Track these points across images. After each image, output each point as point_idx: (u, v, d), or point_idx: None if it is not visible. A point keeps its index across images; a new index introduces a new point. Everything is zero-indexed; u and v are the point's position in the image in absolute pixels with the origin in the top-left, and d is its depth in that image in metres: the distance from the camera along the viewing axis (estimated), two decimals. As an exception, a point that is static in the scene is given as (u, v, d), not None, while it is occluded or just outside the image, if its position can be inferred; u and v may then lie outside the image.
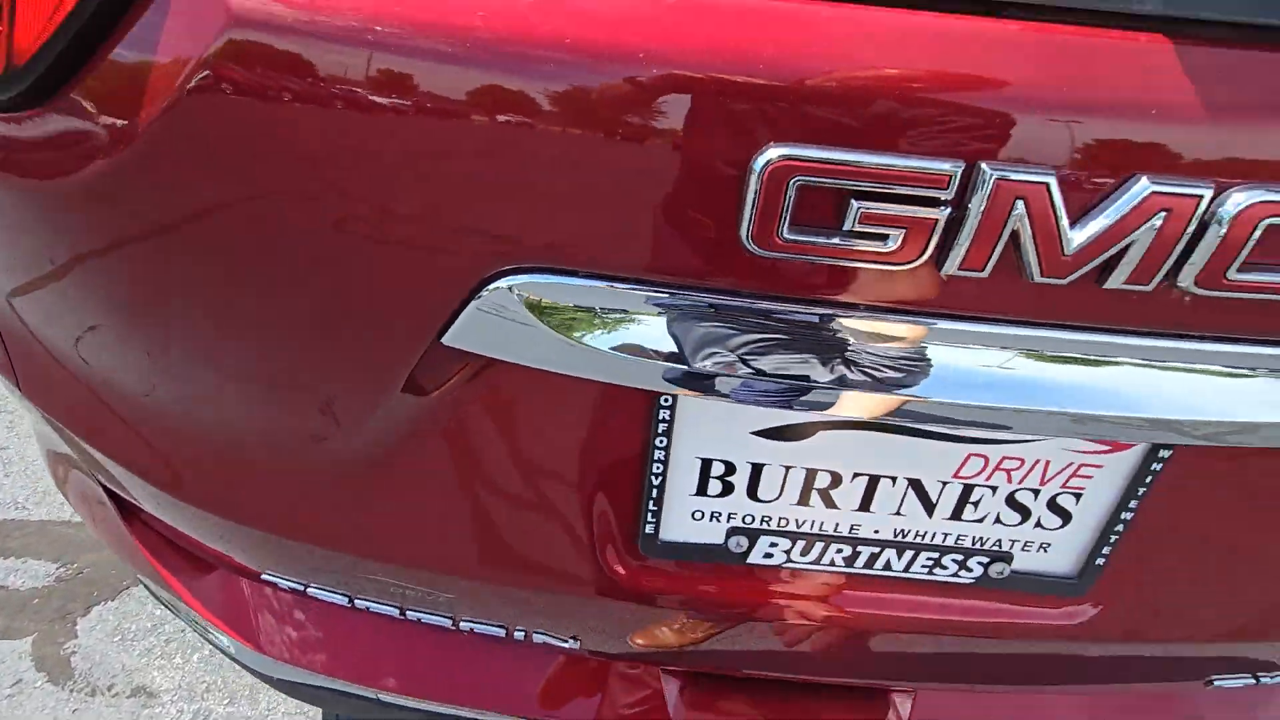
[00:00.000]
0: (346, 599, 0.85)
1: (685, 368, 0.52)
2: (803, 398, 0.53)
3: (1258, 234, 0.42)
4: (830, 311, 0.50)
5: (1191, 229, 0.42)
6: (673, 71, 0.42)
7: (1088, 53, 0.41)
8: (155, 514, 0.86)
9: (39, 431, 0.95)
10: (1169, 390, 0.50)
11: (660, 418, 0.63)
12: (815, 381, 0.52)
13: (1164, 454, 0.60)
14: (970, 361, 0.50)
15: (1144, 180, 0.41)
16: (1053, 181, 0.41)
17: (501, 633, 0.84)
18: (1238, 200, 0.41)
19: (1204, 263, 0.43)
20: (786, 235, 0.45)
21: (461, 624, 0.84)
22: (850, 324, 0.50)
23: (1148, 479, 0.61)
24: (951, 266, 0.45)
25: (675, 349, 0.52)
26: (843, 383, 0.52)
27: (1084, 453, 0.62)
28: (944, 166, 0.41)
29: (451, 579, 0.77)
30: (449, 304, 0.52)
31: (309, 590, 0.85)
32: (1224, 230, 0.41)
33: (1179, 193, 0.41)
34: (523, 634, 0.84)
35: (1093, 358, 0.50)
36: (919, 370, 0.51)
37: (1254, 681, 0.84)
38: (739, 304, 0.50)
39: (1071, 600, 0.70)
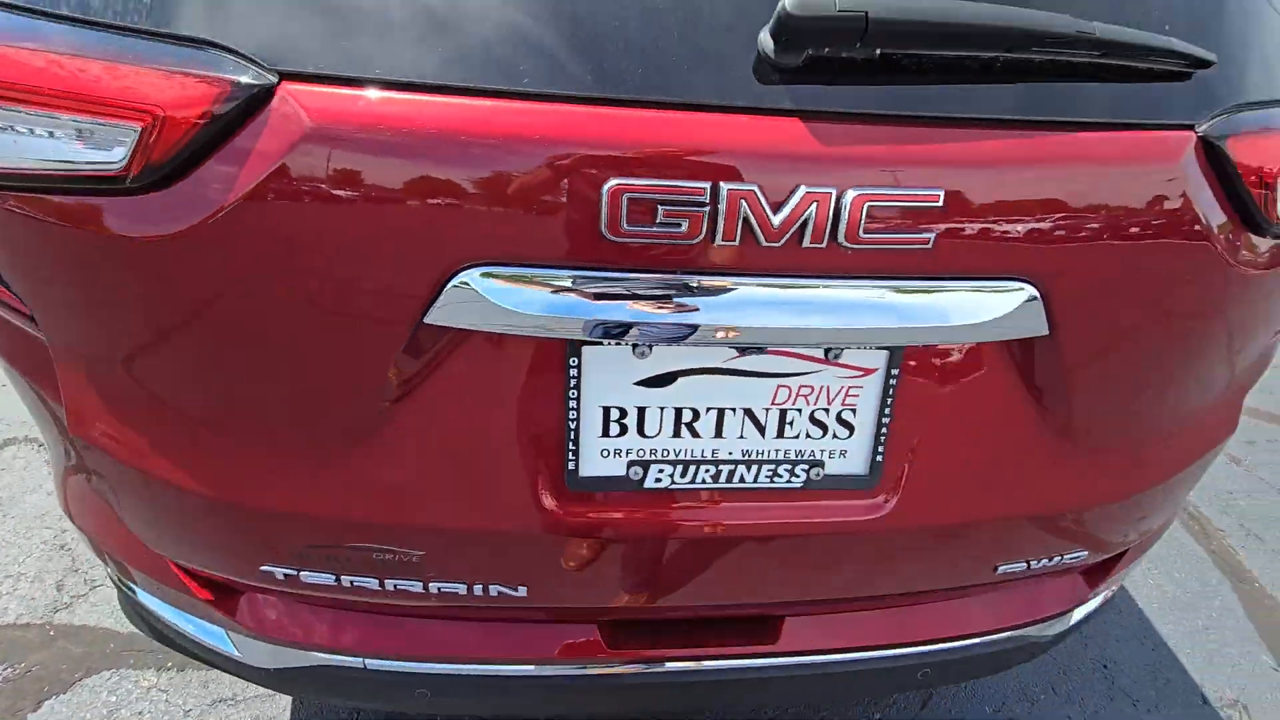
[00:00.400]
0: (334, 577, 1.04)
1: (586, 317, 0.83)
2: (652, 327, 0.85)
3: (865, 212, 0.78)
4: (658, 273, 0.83)
5: (832, 210, 0.78)
6: (568, 151, 0.75)
7: (765, 131, 0.78)
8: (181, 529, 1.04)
9: (69, 480, 1.08)
10: (851, 306, 0.85)
11: (570, 375, 0.92)
12: (656, 316, 0.84)
13: (894, 372, 0.93)
14: (744, 295, 0.84)
15: (803, 188, 0.77)
16: (758, 190, 0.76)
17: (463, 588, 1.04)
18: (850, 195, 0.77)
19: (844, 229, 0.79)
20: (626, 227, 0.78)
21: (430, 585, 1.04)
22: (671, 279, 0.83)
23: (890, 391, 0.94)
24: (718, 239, 0.80)
25: (577, 304, 0.83)
26: (674, 312, 0.84)
27: (849, 378, 0.94)
28: (702, 185, 0.76)
29: (431, 532, 0.99)
30: (430, 292, 0.81)
31: (303, 575, 1.04)
32: (848, 211, 0.78)
33: (822, 192, 0.77)
34: (480, 588, 1.04)
35: (811, 293, 0.85)
36: (712, 303, 0.84)
37: (1026, 566, 1.14)
38: (606, 274, 0.83)
39: (868, 493, 1.00)
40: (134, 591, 1.15)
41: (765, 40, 0.75)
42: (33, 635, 1.57)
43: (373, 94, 0.73)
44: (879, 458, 0.98)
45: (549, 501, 0.97)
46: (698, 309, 0.83)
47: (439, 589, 1.04)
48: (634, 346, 0.92)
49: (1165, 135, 0.85)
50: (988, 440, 1.00)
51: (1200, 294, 0.94)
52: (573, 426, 0.94)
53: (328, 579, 1.03)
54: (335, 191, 0.74)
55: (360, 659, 1.08)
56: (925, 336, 0.89)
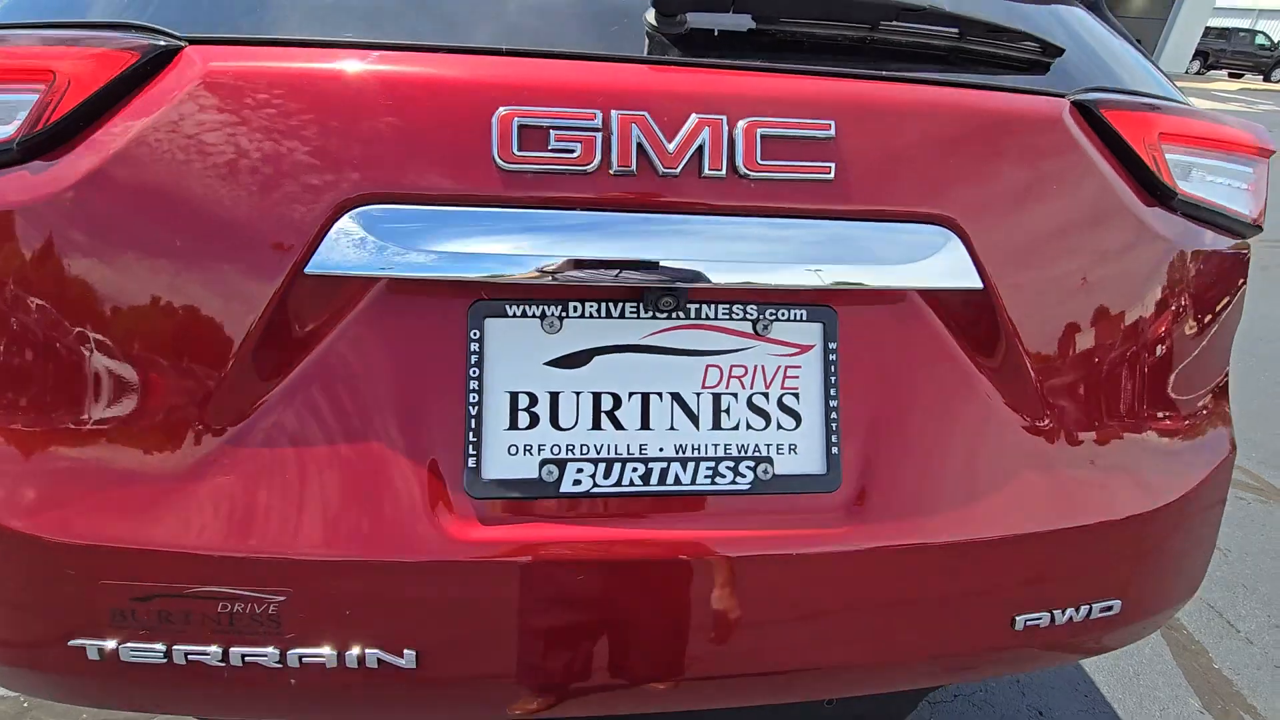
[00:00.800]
0: (164, 648, 0.78)
1: (478, 251, 0.75)
2: (547, 259, 0.76)
3: (759, 139, 0.77)
4: (557, 206, 0.77)
5: (726, 136, 0.77)
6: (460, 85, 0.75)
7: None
8: None
9: None
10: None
11: (471, 352, 0.79)
12: (549, 249, 0.76)
13: (832, 347, 0.85)
14: (651, 227, 0.78)
15: (694, 115, 0.76)
16: (648, 115, 0.75)
17: (332, 655, 0.79)
18: (742, 123, 0.77)
19: (741, 155, 0.76)
20: (517, 153, 0.73)
21: (290, 653, 0.79)
22: (572, 214, 0.77)
23: (832, 370, 0.85)
24: (615, 165, 0.75)
25: (468, 240, 0.75)
26: (576, 244, 0.77)
27: (785, 355, 0.85)
28: (592, 111, 0.75)
29: (292, 567, 0.77)
30: (314, 235, 0.73)
31: (124, 650, 0.78)
32: (742, 137, 0.76)
33: (713, 118, 0.76)
34: (355, 655, 0.79)
35: (723, 228, 0.79)
36: (616, 234, 0.77)
37: (1050, 619, 0.92)
38: (504, 208, 0.76)
39: (830, 495, 0.85)
40: None
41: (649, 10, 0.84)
42: (6, 708, 1.62)
43: (262, 51, 0.76)
44: (834, 450, 0.85)
45: (445, 514, 0.79)
46: (601, 243, 0.76)
47: (300, 658, 0.79)
48: (543, 318, 0.82)
49: (1042, 98, 0.90)
50: (958, 428, 0.89)
51: (1124, 264, 0.92)
52: (474, 415, 0.80)
53: (156, 653, 0.78)
54: (225, 137, 0.73)
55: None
56: (850, 274, 0.81)
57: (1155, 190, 0.92)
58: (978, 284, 0.84)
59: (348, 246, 0.74)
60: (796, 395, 0.85)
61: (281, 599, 0.76)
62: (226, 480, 0.76)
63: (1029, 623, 0.90)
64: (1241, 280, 1.02)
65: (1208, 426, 1.03)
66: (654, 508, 0.83)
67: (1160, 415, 0.97)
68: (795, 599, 0.85)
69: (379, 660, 0.78)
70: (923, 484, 0.87)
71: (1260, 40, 26.93)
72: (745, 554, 0.81)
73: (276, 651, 0.78)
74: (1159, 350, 0.95)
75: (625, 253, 0.76)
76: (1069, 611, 0.92)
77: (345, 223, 0.74)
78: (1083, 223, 0.89)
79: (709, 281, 0.78)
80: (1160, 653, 2.08)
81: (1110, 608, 0.94)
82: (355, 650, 0.78)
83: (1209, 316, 0.98)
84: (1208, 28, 25.15)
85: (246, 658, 0.78)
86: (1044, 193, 0.87)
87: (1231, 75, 27.08)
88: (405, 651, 0.79)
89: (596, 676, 0.83)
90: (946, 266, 0.82)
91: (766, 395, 0.85)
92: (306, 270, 0.74)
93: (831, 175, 0.79)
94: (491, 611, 0.80)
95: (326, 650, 0.78)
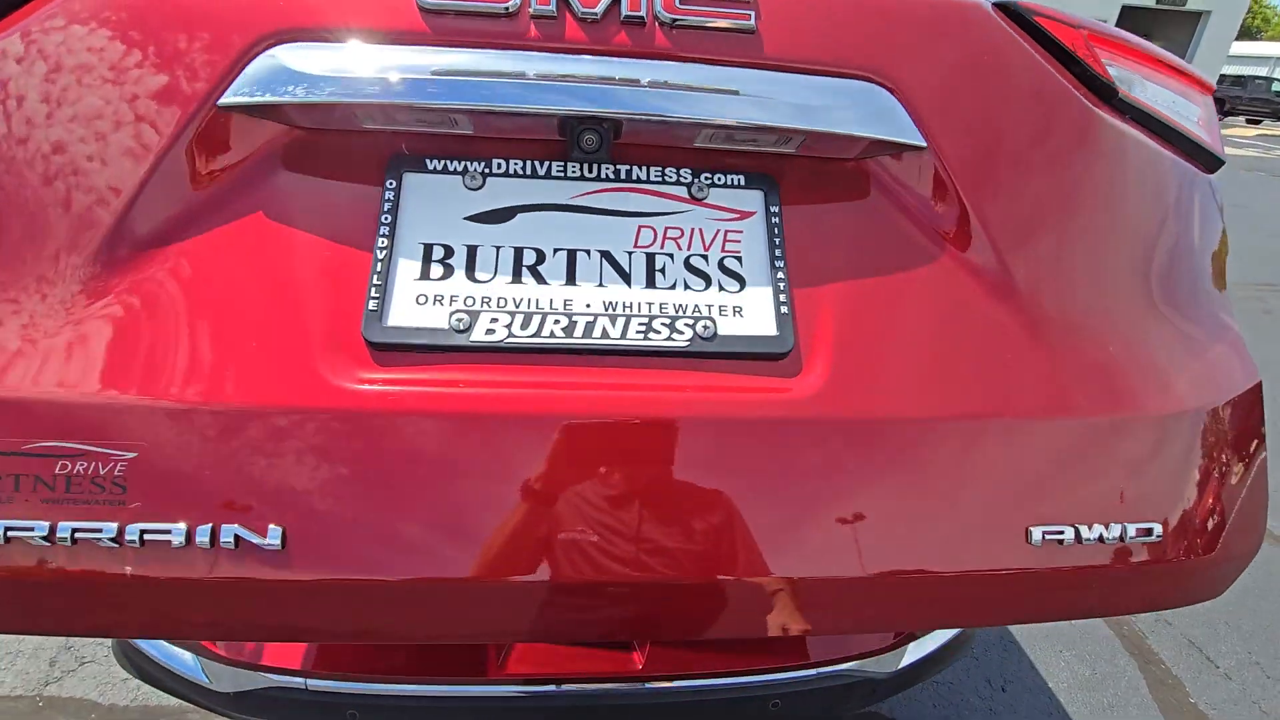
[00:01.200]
0: None
1: (396, 94, 0.69)
2: (463, 102, 0.71)
3: None
4: (476, 49, 0.73)
5: None
6: None
7: None
8: None
9: None
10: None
11: (386, 201, 0.73)
12: (466, 94, 0.71)
13: (774, 211, 0.78)
14: (571, 71, 0.73)
15: None
16: None
17: (180, 531, 0.65)
18: None
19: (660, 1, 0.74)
20: None
21: (130, 528, 0.65)
22: (494, 56, 0.72)
23: (777, 235, 0.78)
24: (533, 6, 0.73)
25: (386, 82, 0.70)
26: (495, 87, 0.71)
27: (724, 220, 0.78)
28: None
29: (140, 413, 0.66)
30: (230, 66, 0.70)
31: None
32: None
33: None
34: (206, 532, 0.65)
35: (649, 71, 0.74)
36: (539, 84, 0.72)
37: (1076, 537, 0.77)
38: (422, 48, 0.72)
39: (784, 362, 0.74)
40: None
41: None
42: (24, 706, 1.72)
43: None
44: (784, 310, 0.76)
45: (331, 359, 0.69)
46: (522, 90, 0.71)
47: (142, 535, 0.65)
48: (464, 174, 0.77)
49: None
50: (921, 300, 0.79)
51: (1073, 153, 0.86)
52: (380, 260, 0.72)
53: None
54: None
55: (302, 679, 1.05)
56: (778, 120, 0.74)
57: (1092, 85, 0.87)
58: (919, 141, 0.78)
59: (262, 82, 0.70)
60: (739, 259, 0.78)
61: (131, 456, 0.65)
62: (91, 319, 0.68)
63: (1049, 537, 0.76)
64: (1214, 209, 0.97)
65: (1214, 349, 0.92)
66: (578, 362, 0.72)
67: (1153, 318, 0.88)
68: (742, 479, 0.71)
69: (237, 538, 0.65)
70: (886, 354, 0.76)
71: (1277, 87, 26.83)
72: (683, 415, 0.70)
73: (115, 527, 0.64)
74: (1130, 248, 0.88)
75: (543, 98, 0.71)
76: (1098, 529, 0.77)
77: (263, 59, 0.70)
78: (1024, 105, 0.84)
79: (630, 118, 0.73)
80: (1136, 685, 2.07)
81: (1150, 532, 0.79)
82: (208, 526, 0.65)
83: (1173, 228, 0.92)
84: (1223, 75, 25.57)
85: (77, 534, 0.65)
86: (978, 70, 0.82)
87: (1249, 121, 27.48)
88: (270, 528, 0.66)
89: (499, 565, 0.68)
90: (884, 121, 0.77)
91: (705, 258, 0.78)
92: (219, 103, 0.70)
93: (753, 23, 0.75)
94: (372, 476, 0.67)
95: (175, 526, 0.65)
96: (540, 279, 0.75)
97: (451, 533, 0.67)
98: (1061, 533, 0.75)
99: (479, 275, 0.74)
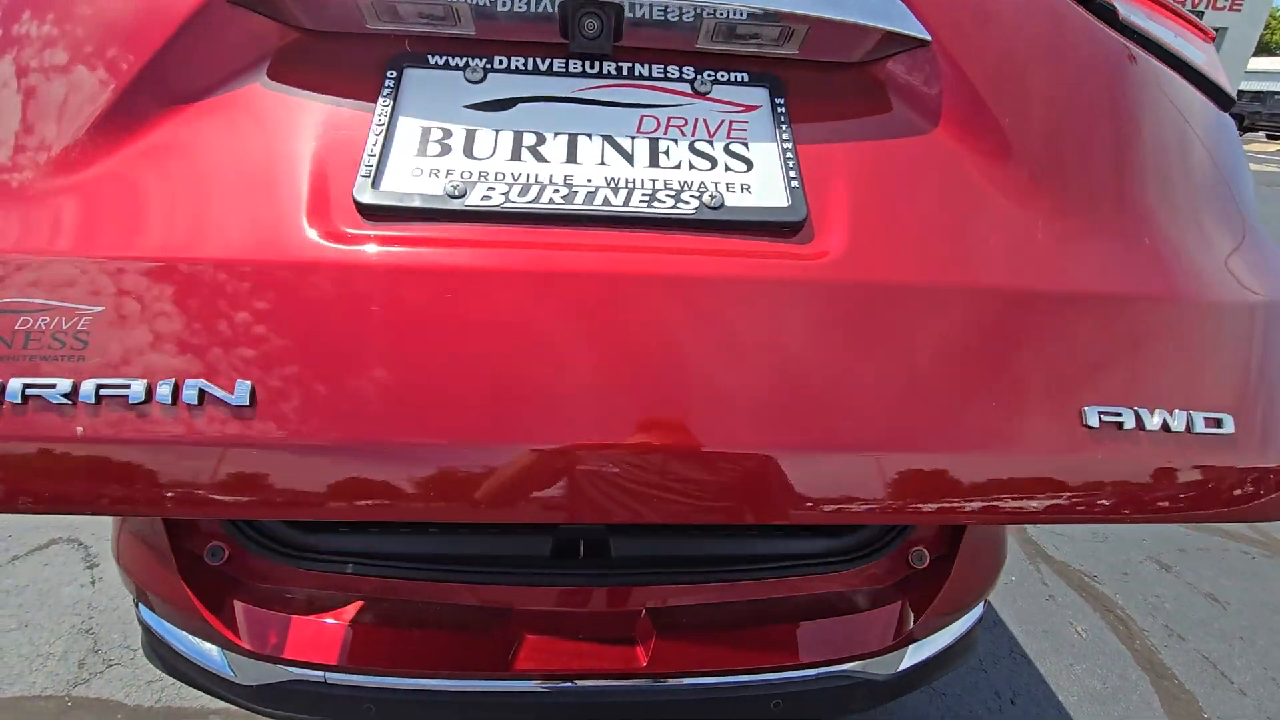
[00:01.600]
0: None
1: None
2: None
3: None
4: None
5: None
6: None
7: None
8: None
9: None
10: None
11: (386, 86, 0.73)
12: None
13: (780, 102, 0.77)
14: None
15: None
16: None
17: (139, 389, 0.60)
18: None
19: None
20: None
21: (83, 386, 0.59)
22: None
23: (784, 126, 0.76)
24: None
25: None
26: None
27: (729, 112, 0.77)
28: None
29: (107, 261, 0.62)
30: None
31: None
32: None
33: None
34: (168, 390, 0.60)
35: None
36: None
37: (1137, 422, 0.71)
38: None
39: (795, 227, 0.70)
40: (151, 630, 1.16)
41: None
42: (53, 706, 1.78)
43: None
44: (795, 184, 0.72)
45: (316, 217, 0.65)
46: None
47: (98, 391, 0.60)
48: (466, 69, 0.76)
49: None
50: (938, 193, 0.75)
51: (1079, 64, 0.84)
52: (377, 136, 0.71)
53: None
54: None
55: (323, 673, 1.05)
56: (786, 3, 0.71)
57: (1090, 6, 0.86)
58: (923, 34, 0.76)
59: None
60: (745, 144, 0.76)
61: (95, 311, 0.61)
62: (72, 185, 0.66)
63: (1106, 419, 0.68)
64: (1237, 143, 0.95)
65: (1245, 263, 0.85)
66: (579, 226, 0.68)
67: (1169, 217, 0.82)
68: (755, 343, 0.65)
69: (201, 393, 0.60)
70: (906, 227, 0.72)
71: (1297, 102, 26.11)
72: (695, 274, 0.65)
73: (69, 384, 0.59)
74: (1156, 155, 0.84)
75: None
76: (1160, 414, 0.69)
77: None
78: (1026, 12, 0.83)
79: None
80: (1149, 700, 2.01)
81: (1219, 423, 0.71)
82: (170, 381, 0.60)
83: (1199, 143, 0.89)
84: (1241, 90, 25.25)
85: (29, 391, 0.60)
86: None
87: (1270, 137, 27.00)
88: (237, 384, 0.60)
89: (482, 426, 0.62)
90: (888, 14, 0.74)
91: (710, 143, 0.76)
92: None
93: None
94: (353, 332, 0.62)
95: (134, 381, 0.59)
96: (540, 158, 0.73)
97: (438, 392, 0.62)
98: (1119, 415, 0.68)
99: (477, 153, 0.72)
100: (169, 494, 0.60)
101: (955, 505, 0.67)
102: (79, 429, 0.59)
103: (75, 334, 0.60)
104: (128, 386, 0.59)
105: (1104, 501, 0.70)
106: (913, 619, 1.10)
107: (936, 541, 1.16)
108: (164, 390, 0.59)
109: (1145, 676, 2.09)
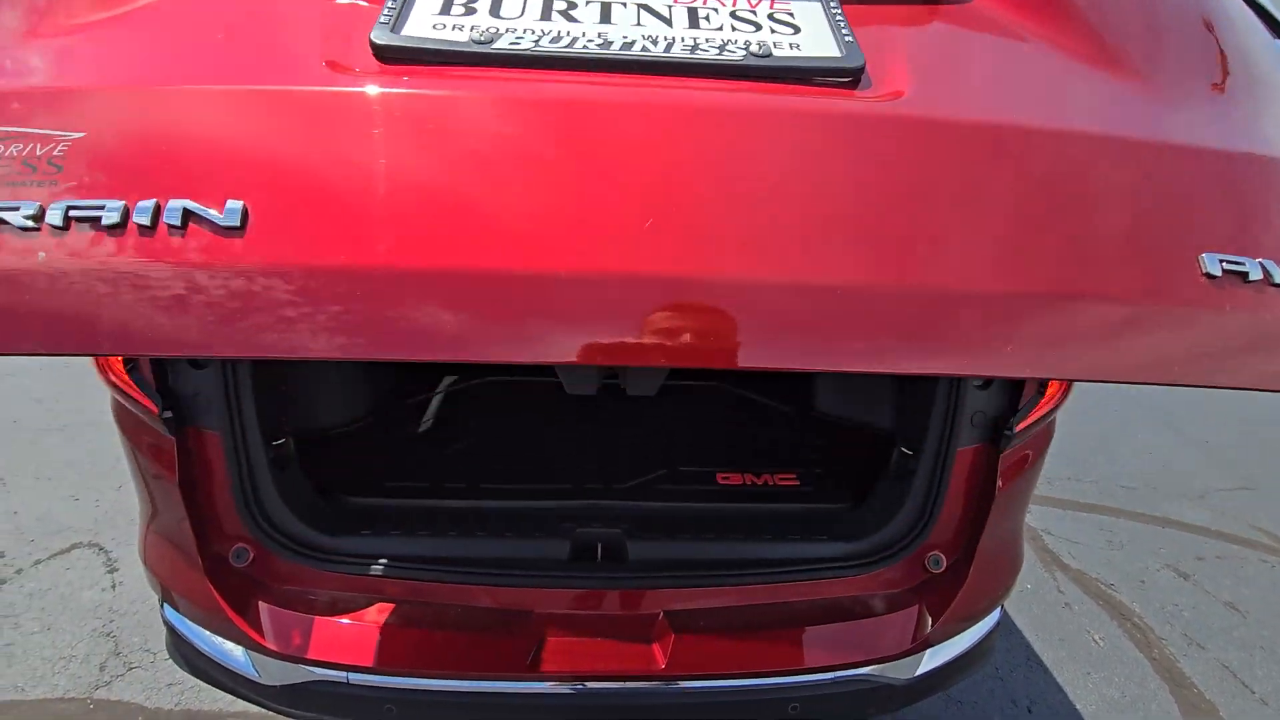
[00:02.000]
0: None
1: None
2: None
3: None
4: None
5: None
6: None
7: None
8: None
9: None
10: None
11: None
12: None
13: None
14: None
15: None
16: None
17: (118, 210, 0.53)
18: None
19: None
20: None
21: (51, 209, 0.52)
22: None
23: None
24: None
25: None
26: None
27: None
28: None
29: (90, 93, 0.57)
30: None
31: None
32: None
33: None
34: (177, 217, 0.53)
35: None
36: None
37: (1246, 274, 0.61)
38: None
39: (851, 75, 0.64)
40: (176, 630, 1.15)
41: None
42: (75, 708, 1.79)
43: None
44: (848, 38, 0.66)
45: (335, 54, 0.61)
46: None
47: (67, 214, 0.52)
48: None
49: None
50: (996, 51, 0.70)
51: None
52: None
53: None
54: None
55: (345, 674, 1.04)
56: None
57: None
58: None
59: None
60: (791, 13, 0.71)
61: (76, 137, 0.54)
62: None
63: (1227, 267, 0.59)
64: None
65: None
66: (616, 70, 0.62)
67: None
68: (837, 184, 0.59)
69: (185, 214, 0.52)
70: (974, 82, 0.67)
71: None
72: (744, 110, 0.59)
73: (35, 207, 0.52)
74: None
75: None
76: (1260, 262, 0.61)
77: None
78: None
79: None
80: (1168, 709, 1.95)
81: None
82: (150, 202, 0.52)
83: (1262, 39, 0.84)
84: None
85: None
86: None
87: None
88: (227, 203, 0.53)
89: (496, 251, 0.55)
90: None
91: (754, 12, 0.71)
92: None
93: None
94: (364, 159, 0.55)
95: (109, 203, 0.52)
96: (571, 19, 0.67)
97: (450, 216, 0.56)
98: (1243, 265, 0.60)
99: (504, 13, 0.67)
100: (142, 331, 0.52)
101: (1053, 357, 0.60)
102: (41, 254, 0.52)
103: (50, 159, 0.53)
104: (101, 208, 0.52)
105: (1217, 358, 0.62)
106: (930, 623, 1.09)
107: (952, 546, 1.15)
108: (144, 211, 0.52)
109: (1164, 685, 2.03)
